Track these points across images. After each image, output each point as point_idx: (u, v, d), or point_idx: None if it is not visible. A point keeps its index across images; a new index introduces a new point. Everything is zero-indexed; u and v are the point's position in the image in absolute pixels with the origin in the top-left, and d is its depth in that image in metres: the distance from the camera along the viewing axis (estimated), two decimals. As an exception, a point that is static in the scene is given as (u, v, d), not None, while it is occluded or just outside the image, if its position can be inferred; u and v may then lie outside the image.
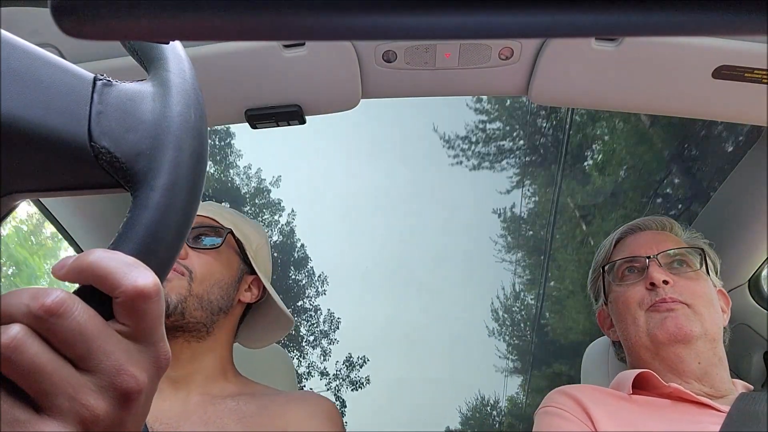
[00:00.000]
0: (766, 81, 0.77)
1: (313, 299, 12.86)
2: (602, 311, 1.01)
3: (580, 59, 0.79)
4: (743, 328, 1.06)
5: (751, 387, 0.86)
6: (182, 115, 0.32)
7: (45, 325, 0.25)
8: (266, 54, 0.78)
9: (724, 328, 0.90)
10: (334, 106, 0.89)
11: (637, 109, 0.91)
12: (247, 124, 0.90)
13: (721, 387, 0.82)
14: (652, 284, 0.86)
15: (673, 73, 0.80)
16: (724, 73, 0.77)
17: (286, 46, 0.77)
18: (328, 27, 0.19)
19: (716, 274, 0.94)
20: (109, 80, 0.31)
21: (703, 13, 0.17)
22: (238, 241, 0.85)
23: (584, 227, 7.71)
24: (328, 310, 13.05)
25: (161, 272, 0.30)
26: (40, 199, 0.96)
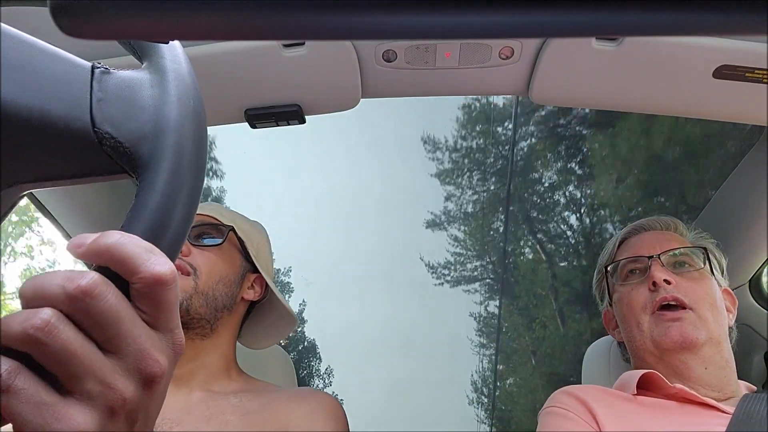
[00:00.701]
0: (766, 81, 0.77)
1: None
2: (607, 312, 1.00)
3: (580, 59, 0.79)
4: (744, 329, 1.06)
5: (755, 388, 0.86)
6: (181, 99, 0.32)
7: (79, 306, 0.25)
8: (266, 54, 0.78)
9: (731, 327, 0.89)
10: (334, 106, 0.89)
11: (637, 108, 0.91)
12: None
13: (727, 390, 0.82)
14: (654, 284, 0.85)
15: (673, 73, 0.79)
16: (725, 73, 0.77)
17: (286, 46, 0.77)
18: (328, 27, 0.19)
19: (722, 273, 0.94)
20: (107, 68, 0.32)
21: (703, 13, 0.17)
22: (239, 239, 0.85)
23: (533, 362, 9.41)
24: (333, 392, 13.48)
25: (171, 254, 0.30)
26: (39, 198, 0.96)
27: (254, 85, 0.83)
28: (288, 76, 0.82)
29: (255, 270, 0.88)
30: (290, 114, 0.88)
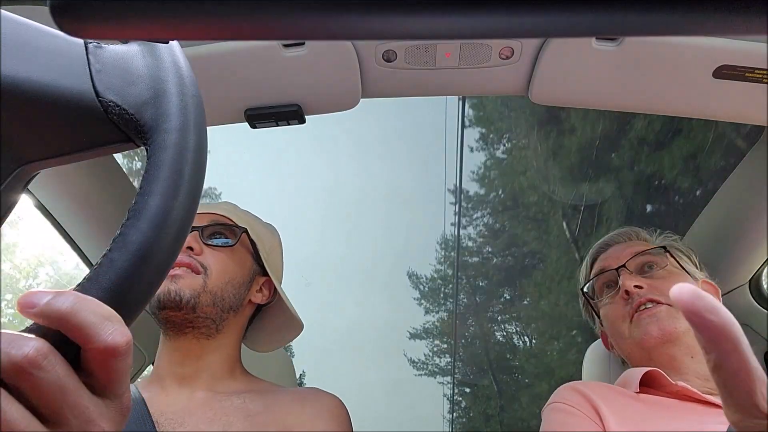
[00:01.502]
0: (766, 81, 0.77)
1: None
2: (603, 332, 1.02)
3: (580, 59, 0.79)
4: (744, 329, 1.06)
5: None
6: (174, 64, 0.33)
7: (24, 378, 0.23)
8: (266, 54, 0.78)
9: None
10: (334, 106, 0.89)
11: (638, 109, 0.91)
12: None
13: None
14: (627, 292, 0.87)
15: (673, 73, 0.79)
16: (725, 73, 0.77)
17: (286, 46, 0.77)
18: (328, 27, 0.19)
19: (696, 266, 0.95)
20: (99, 43, 0.33)
21: (703, 13, 0.17)
22: (252, 241, 0.85)
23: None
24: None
25: (189, 210, 0.31)
26: (39, 198, 0.96)
27: (254, 85, 0.83)
28: (288, 76, 0.82)
29: (265, 273, 0.88)
30: (290, 114, 0.88)
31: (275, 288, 0.88)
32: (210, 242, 0.82)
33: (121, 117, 0.31)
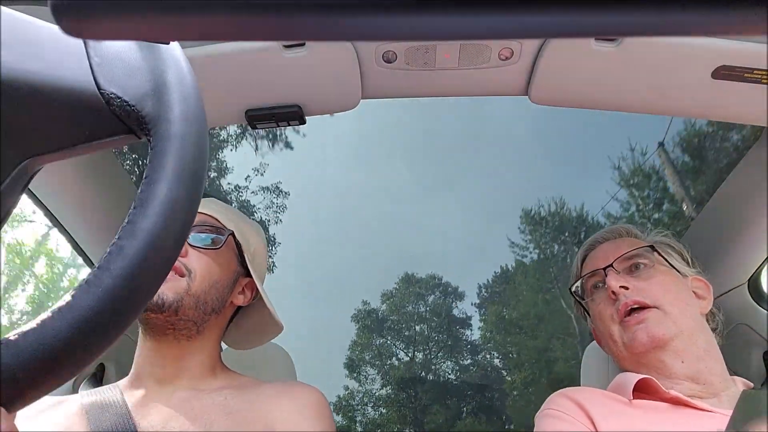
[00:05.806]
0: (766, 81, 0.77)
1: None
2: (594, 329, 1.02)
3: (580, 59, 0.79)
4: (743, 328, 1.06)
5: (751, 384, 0.86)
6: (172, 55, 0.34)
7: None
8: (266, 54, 0.78)
9: (712, 311, 0.91)
10: (334, 106, 0.89)
11: (637, 109, 0.91)
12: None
13: (715, 382, 0.82)
14: (614, 293, 0.87)
15: (673, 73, 0.80)
16: (724, 73, 0.77)
17: (286, 46, 0.77)
18: (328, 27, 0.19)
19: (688, 263, 0.95)
20: None
21: (703, 13, 0.17)
22: (237, 243, 0.85)
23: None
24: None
25: (194, 195, 0.31)
26: (39, 198, 0.96)
27: (255, 85, 0.83)
28: (288, 76, 0.82)
29: (248, 274, 0.87)
30: (291, 114, 0.88)
31: (257, 289, 0.87)
32: (196, 244, 0.81)
33: (122, 109, 0.31)
